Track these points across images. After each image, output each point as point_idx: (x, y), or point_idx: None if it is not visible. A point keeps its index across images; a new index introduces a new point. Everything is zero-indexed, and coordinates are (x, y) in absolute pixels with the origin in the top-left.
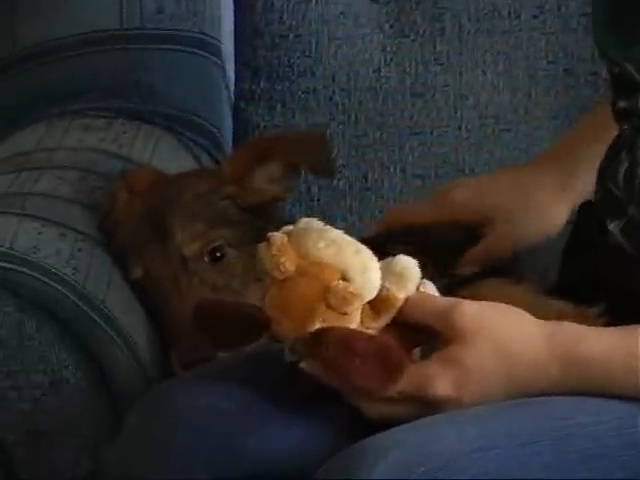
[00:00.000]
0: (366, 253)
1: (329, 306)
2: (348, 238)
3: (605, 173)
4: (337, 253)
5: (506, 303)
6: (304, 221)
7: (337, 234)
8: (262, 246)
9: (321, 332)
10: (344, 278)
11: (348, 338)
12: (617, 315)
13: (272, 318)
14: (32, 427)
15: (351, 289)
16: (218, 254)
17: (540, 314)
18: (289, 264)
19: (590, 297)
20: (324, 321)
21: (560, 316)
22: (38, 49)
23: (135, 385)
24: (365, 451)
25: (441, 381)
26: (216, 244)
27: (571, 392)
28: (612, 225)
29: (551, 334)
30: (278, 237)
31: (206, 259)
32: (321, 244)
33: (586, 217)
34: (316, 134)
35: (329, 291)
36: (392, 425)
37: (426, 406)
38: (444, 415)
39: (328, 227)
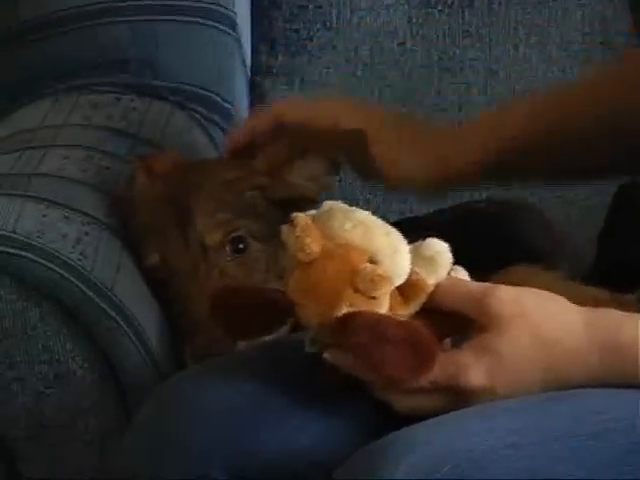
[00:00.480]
0: (396, 235)
1: (357, 290)
2: (376, 219)
3: None
4: (365, 234)
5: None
6: (327, 204)
7: (364, 215)
8: (285, 227)
9: (348, 317)
10: (372, 261)
11: (377, 323)
12: None
13: (296, 303)
14: (36, 422)
15: (380, 271)
16: (241, 245)
17: (574, 301)
18: (314, 245)
19: (626, 283)
20: (351, 305)
21: (595, 303)
22: (41, 21)
23: (145, 378)
24: (388, 448)
25: (474, 370)
26: (239, 233)
27: (608, 383)
28: None
29: (590, 321)
30: (302, 217)
31: (227, 249)
32: (348, 225)
33: (622, 201)
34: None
35: (357, 274)
36: (420, 418)
37: (457, 397)
38: (473, 409)
39: (354, 208)
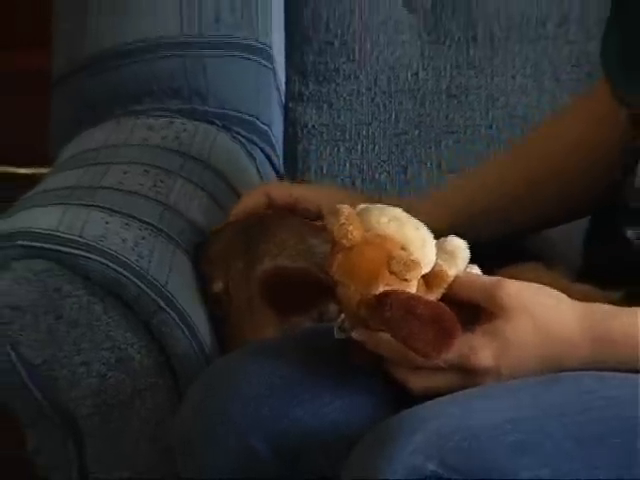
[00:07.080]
0: (424, 230)
1: (392, 272)
2: (408, 215)
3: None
4: (399, 228)
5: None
6: (362, 205)
7: (398, 211)
8: (330, 217)
9: (385, 294)
10: (404, 250)
11: (409, 300)
12: None
13: (338, 282)
14: (100, 401)
15: (413, 257)
16: None
17: (569, 296)
18: (356, 232)
19: (609, 285)
20: (387, 285)
21: (587, 299)
22: (107, 54)
23: (194, 364)
24: (404, 421)
25: (484, 352)
26: None
27: (599, 368)
28: (630, 232)
29: (583, 316)
30: (346, 207)
31: None
32: (383, 219)
33: (601, 216)
34: None
35: (392, 258)
36: (432, 398)
37: (467, 377)
38: (478, 389)
39: (388, 206)
